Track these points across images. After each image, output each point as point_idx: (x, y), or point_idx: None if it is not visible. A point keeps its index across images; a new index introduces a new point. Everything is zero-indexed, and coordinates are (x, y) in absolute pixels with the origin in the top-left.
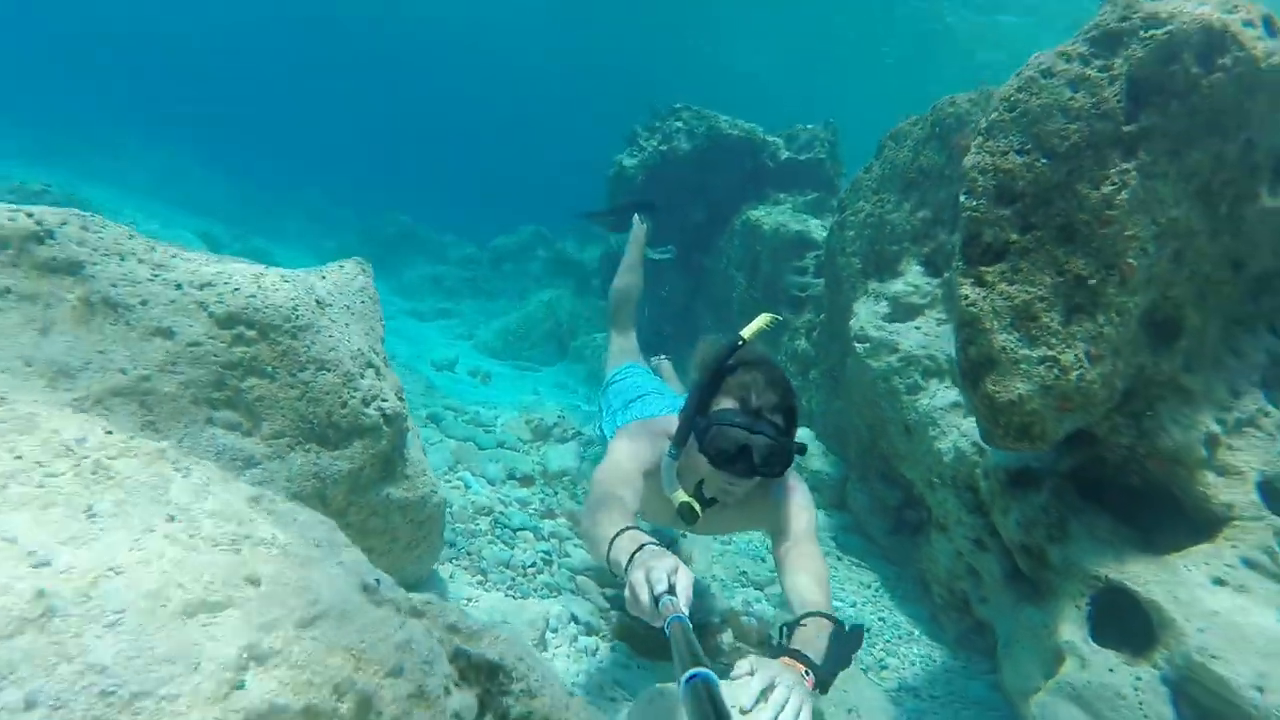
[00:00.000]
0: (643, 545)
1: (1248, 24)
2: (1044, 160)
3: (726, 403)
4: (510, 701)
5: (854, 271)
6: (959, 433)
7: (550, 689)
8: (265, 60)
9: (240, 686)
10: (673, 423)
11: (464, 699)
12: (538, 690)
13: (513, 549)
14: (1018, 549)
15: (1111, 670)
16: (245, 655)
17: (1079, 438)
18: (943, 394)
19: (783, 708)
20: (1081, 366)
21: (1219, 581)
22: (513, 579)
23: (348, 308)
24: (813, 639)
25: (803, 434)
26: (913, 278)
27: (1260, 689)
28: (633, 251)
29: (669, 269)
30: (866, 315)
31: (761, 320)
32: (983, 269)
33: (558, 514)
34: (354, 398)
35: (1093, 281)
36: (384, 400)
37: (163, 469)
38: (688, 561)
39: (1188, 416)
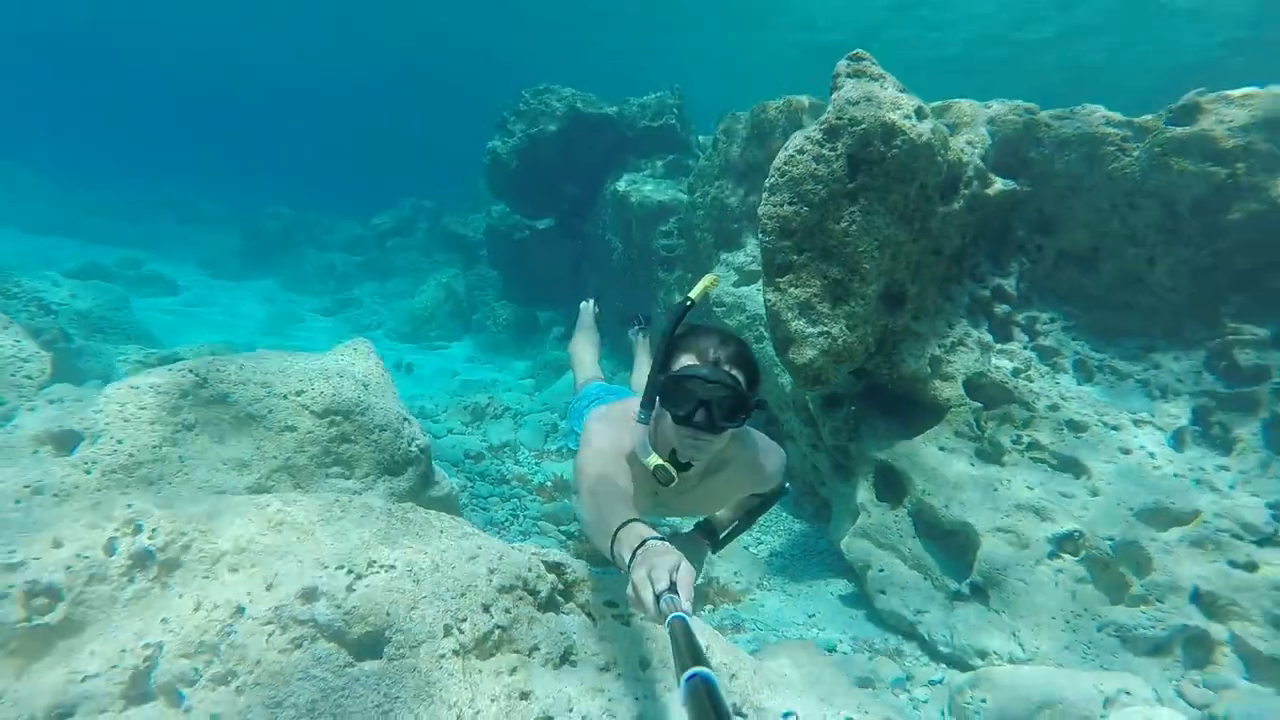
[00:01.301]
0: (645, 541)
1: (907, 117)
2: (806, 209)
3: (686, 359)
4: (569, 576)
5: (708, 244)
6: None
7: (584, 569)
8: (106, 49)
9: (491, 579)
10: (636, 401)
11: (552, 578)
12: (579, 569)
13: (489, 512)
14: (832, 448)
15: (884, 515)
16: (489, 570)
17: (859, 373)
18: None
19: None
20: (845, 334)
21: (942, 449)
22: (499, 533)
23: (377, 382)
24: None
25: None
26: (751, 249)
27: (947, 506)
28: (583, 321)
29: (555, 238)
30: (721, 284)
31: (706, 280)
32: (777, 280)
33: (509, 479)
34: (402, 441)
35: (844, 281)
36: (417, 439)
37: (418, 515)
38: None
39: (919, 349)
